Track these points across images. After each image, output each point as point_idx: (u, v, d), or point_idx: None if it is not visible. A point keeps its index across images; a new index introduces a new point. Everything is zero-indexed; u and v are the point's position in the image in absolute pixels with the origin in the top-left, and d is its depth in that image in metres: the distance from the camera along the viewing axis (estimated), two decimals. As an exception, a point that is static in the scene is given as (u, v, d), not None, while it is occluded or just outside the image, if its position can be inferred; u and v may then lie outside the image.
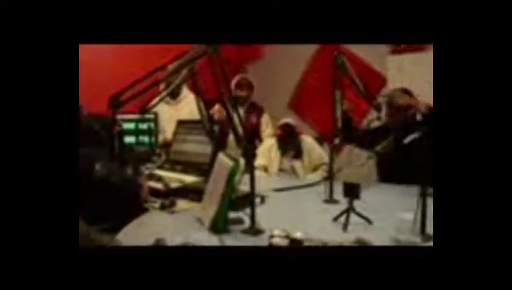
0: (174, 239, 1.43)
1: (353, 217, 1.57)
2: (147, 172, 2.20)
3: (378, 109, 2.14)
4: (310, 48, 4.29)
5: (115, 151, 1.84)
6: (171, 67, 2.01)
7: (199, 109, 2.11)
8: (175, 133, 2.60)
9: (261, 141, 3.25)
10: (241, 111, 3.12)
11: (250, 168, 1.51)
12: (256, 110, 3.36)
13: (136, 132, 2.76)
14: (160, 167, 2.45)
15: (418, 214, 1.44)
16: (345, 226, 1.53)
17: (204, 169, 2.08)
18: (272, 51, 4.60)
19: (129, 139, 2.74)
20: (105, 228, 1.51)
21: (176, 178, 2.16)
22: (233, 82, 3.21)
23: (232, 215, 1.59)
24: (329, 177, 2.04)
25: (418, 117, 2.48)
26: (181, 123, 2.63)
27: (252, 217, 1.50)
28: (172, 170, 2.36)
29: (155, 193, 1.96)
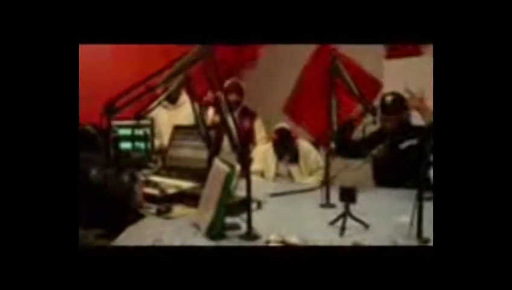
0: (170, 245, 1.42)
1: (350, 222, 1.57)
2: (142, 178, 2.19)
3: (373, 112, 2.14)
4: (306, 52, 4.30)
5: (111, 157, 1.84)
6: (167, 72, 2.00)
7: (194, 113, 2.11)
8: (171, 139, 2.60)
9: (254, 145, 3.26)
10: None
11: (246, 173, 1.51)
12: (248, 114, 3.37)
13: (132, 138, 2.75)
14: (157, 173, 2.45)
15: (415, 217, 1.44)
16: (342, 231, 1.53)
17: (200, 174, 2.07)
18: (268, 55, 4.61)
19: (125, 145, 2.73)
20: (101, 234, 1.50)
21: (172, 184, 2.16)
22: (224, 86, 3.21)
23: (229, 220, 1.58)
24: (326, 182, 2.04)
25: (414, 121, 2.50)
26: (177, 129, 2.63)
27: (249, 222, 1.50)
28: (169, 175, 2.35)
29: (151, 198, 1.96)
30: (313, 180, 2.82)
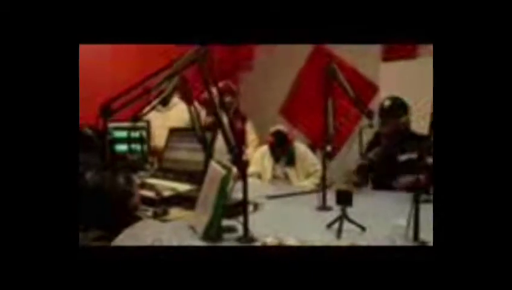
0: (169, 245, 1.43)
1: (346, 224, 1.57)
2: (138, 181, 2.18)
3: (369, 116, 2.15)
4: (302, 55, 4.31)
5: (107, 160, 1.83)
6: (162, 75, 2.00)
7: (191, 116, 2.10)
8: (167, 141, 2.59)
9: (245, 147, 3.28)
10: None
11: (242, 175, 1.51)
12: (240, 117, 3.41)
13: (128, 140, 2.74)
14: (153, 176, 2.44)
15: (411, 220, 1.44)
16: (339, 233, 1.53)
17: (197, 177, 2.07)
18: (264, 55, 4.61)
19: (121, 147, 2.72)
20: (98, 236, 1.49)
21: (169, 186, 2.15)
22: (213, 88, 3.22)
23: (225, 223, 1.58)
24: (323, 184, 2.04)
25: (416, 128, 2.50)
26: (173, 131, 2.62)
27: (245, 224, 1.50)
28: (165, 178, 2.34)
29: (148, 201, 1.95)
30: (310, 182, 2.82)
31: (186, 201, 1.94)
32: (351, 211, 1.60)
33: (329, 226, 1.62)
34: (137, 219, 1.77)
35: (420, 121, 2.70)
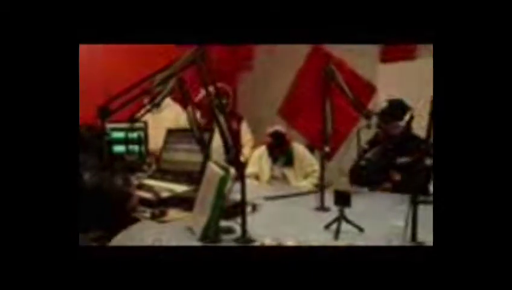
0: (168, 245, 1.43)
1: (344, 225, 1.57)
2: (136, 182, 2.18)
3: (368, 117, 2.15)
4: (300, 56, 4.31)
5: (104, 160, 1.83)
6: (159, 77, 2.00)
7: (189, 117, 2.10)
8: (165, 142, 2.59)
9: (242, 147, 3.31)
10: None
11: (240, 176, 1.51)
12: (235, 117, 3.42)
13: (126, 141, 2.74)
14: (151, 177, 2.43)
15: (409, 221, 1.44)
16: (337, 234, 1.53)
17: (194, 178, 2.07)
18: (262, 56, 4.61)
19: (119, 148, 2.72)
20: (96, 237, 1.49)
21: (167, 187, 2.15)
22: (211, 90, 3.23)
23: (223, 224, 1.58)
24: (321, 185, 2.04)
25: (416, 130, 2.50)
26: (170, 132, 2.62)
27: (243, 226, 1.49)
28: (163, 179, 2.34)
29: (146, 202, 1.94)
30: (308, 183, 2.82)
31: (184, 202, 1.93)
32: (349, 212, 1.60)
33: (327, 226, 1.62)
34: (135, 220, 1.77)
35: (421, 122, 2.69)
